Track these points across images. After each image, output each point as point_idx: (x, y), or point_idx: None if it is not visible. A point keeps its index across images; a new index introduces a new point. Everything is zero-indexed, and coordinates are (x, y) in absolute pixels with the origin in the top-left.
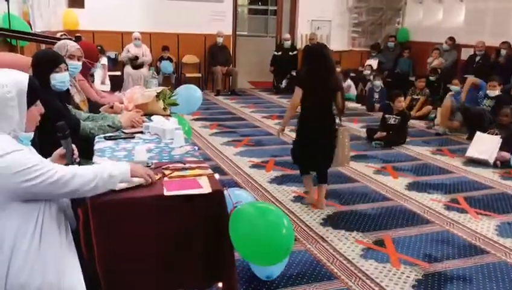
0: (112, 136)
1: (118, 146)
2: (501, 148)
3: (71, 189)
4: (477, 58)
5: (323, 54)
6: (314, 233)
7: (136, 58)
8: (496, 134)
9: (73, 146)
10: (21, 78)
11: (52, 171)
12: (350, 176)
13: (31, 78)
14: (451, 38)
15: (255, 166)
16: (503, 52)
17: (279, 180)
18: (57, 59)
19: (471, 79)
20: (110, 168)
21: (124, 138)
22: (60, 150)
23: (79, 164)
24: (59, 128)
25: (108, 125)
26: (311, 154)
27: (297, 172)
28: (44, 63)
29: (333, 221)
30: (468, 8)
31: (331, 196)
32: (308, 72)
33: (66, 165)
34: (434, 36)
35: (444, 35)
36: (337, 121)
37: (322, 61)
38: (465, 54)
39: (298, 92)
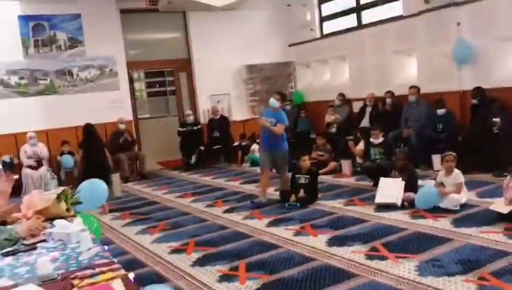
0: (10, 251)
1: (19, 261)
2: (405, 190)
3: None
4: (369, 109)
5: (91, 130)
6: None
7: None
8: (397, 177)
9: None
10: None
11: None
12: (272, 242)
13: None
14: (342, 94)
15: (175, 251)
16: (389, 100)
17: (202, 261)
18: None
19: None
20: None
21: (25, 251)
22: None
23: None
24: None
25: (6, 239)
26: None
27: (220, 249)
28: None
29: None
30: (351, 66)
31: (257, 267)
32: (84, 139)
33: None
34: (326, 95)
35: (334, 93)
36: (111, 164)
37: (91, 133)
38: (356, 107)
39: (83, 150)
